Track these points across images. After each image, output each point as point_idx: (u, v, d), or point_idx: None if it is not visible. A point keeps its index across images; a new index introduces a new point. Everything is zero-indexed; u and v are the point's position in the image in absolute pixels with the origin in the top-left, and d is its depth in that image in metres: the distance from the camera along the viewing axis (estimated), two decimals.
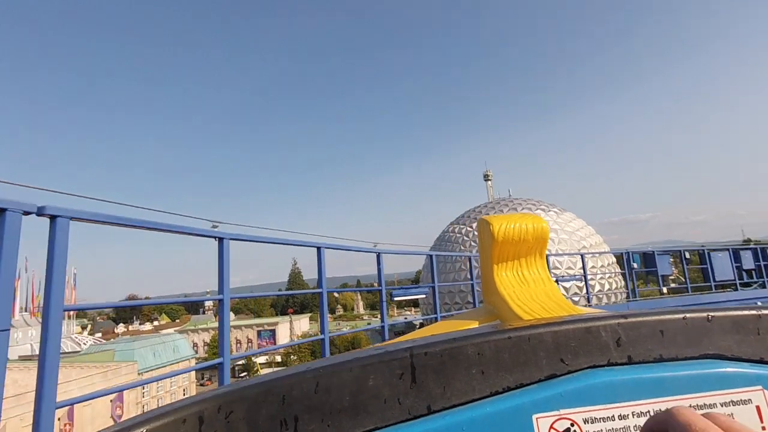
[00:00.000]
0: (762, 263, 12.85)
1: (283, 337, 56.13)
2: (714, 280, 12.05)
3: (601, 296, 24.96)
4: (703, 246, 12.24)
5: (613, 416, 0.57)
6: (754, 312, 0.66)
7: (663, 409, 0.51)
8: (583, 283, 11.54)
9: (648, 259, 12.54)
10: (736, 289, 12.21)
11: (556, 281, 6.84)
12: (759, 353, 0.63)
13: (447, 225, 35.22)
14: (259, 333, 56.54)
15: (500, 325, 0.91)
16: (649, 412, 0.57)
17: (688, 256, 12.31)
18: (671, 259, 12.88)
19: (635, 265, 12.32)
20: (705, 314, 0.66)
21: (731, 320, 0.66)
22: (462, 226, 32.51)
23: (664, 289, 12.52)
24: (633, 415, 0.57)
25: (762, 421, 0.57)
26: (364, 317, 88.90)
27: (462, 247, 30.34)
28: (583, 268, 10.68)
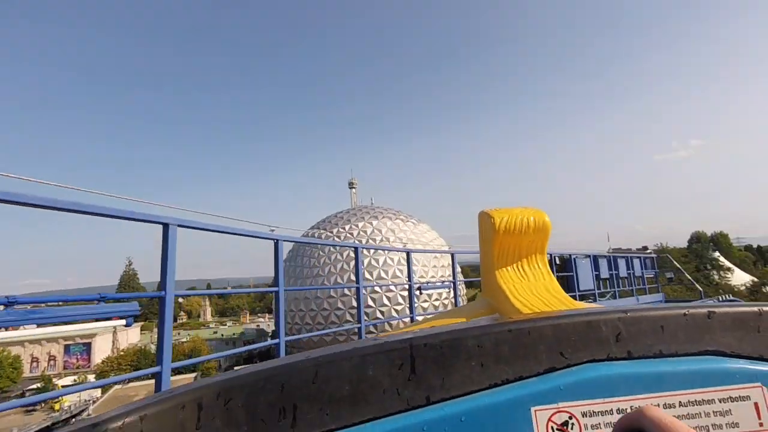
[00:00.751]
0: (614, 272, 12.30)
1: (102, 353, 46.35)
2: (578, 290, 10.75)
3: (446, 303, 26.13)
4: (570, 253, 11.29)
5: (612, 410, 0.58)
6: (755, 309, 0.67)
7: (662, 404, 0.57)
8: (446, 290, 10.97)
9: None
10: (595, 300, 11.32)
11: (419, 289, 6.32)
12: (759, 350, 0.64)
13: (307, 228, 33.84)
14: (67, 348, 45.66)
15: (499, 319, 0.91)
16: None
17: (558, 261, 11.10)
18: None
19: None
20: (705, 310, 0.67)
21: (732, 317, 0.67)
22: (322, 231, 31.41)
23: None
24: (631, 409, 0.57)
25: (760, 418, 0.58)
26: (211, 325, 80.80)
27: (321, 252, 29.01)
28: (453, 274, 10.10)
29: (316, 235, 30.94)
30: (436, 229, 33.81)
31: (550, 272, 1.12)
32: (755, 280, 39.19)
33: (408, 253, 6.09)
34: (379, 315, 23.99)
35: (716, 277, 36.76)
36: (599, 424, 0.58)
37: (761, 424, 0.58)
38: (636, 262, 13.69)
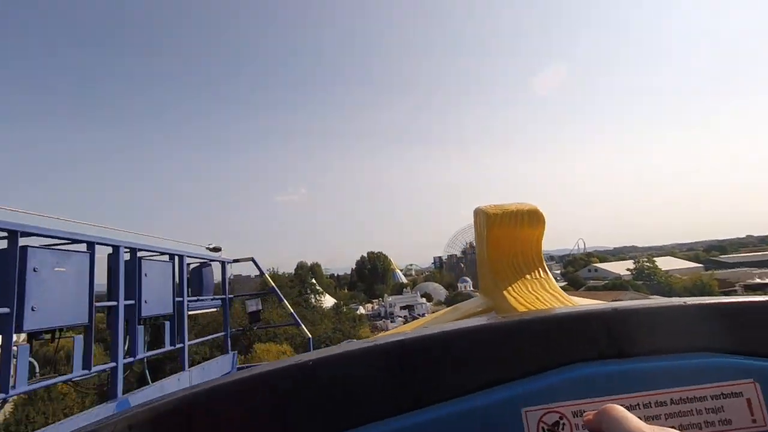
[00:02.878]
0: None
1: None
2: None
3: None
4: None
5: None
6: (747, 304, 0.67)
7: (654, 402, 0.58)
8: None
9: None
10: None
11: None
12: (751, 346, 0.63)
13: None
14: None
15: (493, 317, 0.90)
16: (638, 405, 0.58)
17: None
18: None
19: None
20: (697, 306, 0.66)
21: (723, 312, 0.66)
22: None
23: None
24: (624, 408, 0.55)
25: (752, 414, 0.58)
26: None
27: None
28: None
29: None
30: None
31: (547, 269, 1.11)
32: (337, 302, 48.75)
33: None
34: None
35: (313, 300, 42.56)
36: None
37: (754, 421, 0.58)
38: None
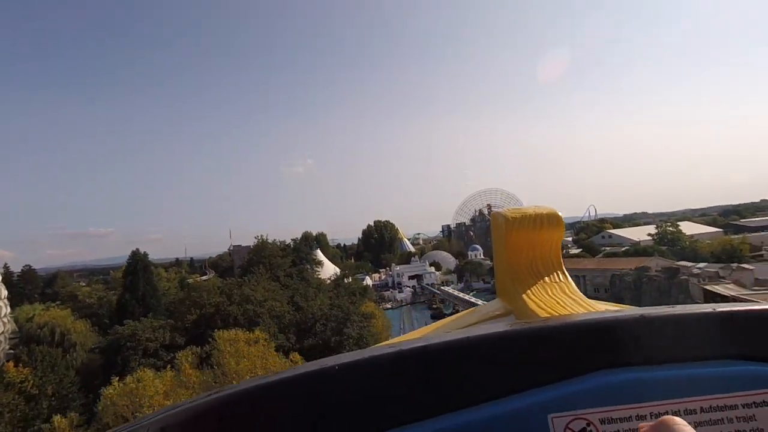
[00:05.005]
0: None
1: None
2: None
3: None
4: None
5: (631, 417, 0.56)
6: None
7: (683, 410, 0.57)
8: None
9: None
10: None
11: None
12: None
13: None
14: None
15: (515, 322, 0.89)
16: (667, 412, 0.56)
17: None
18: None
19: None
20: (727, 312, 0.65)
21: (753, 319, 0.64)
22: None
23: None
24: (651, 416, 0.56)
25: None
26: None
27: None
28: None
29: None
30: None
31: (566, 273, 1.09)
32: (338, 271, 46.18)
33: None
34: None
35: (309, 269, 39.71)
36: (618, 431, 0.56)
37: None
38: None
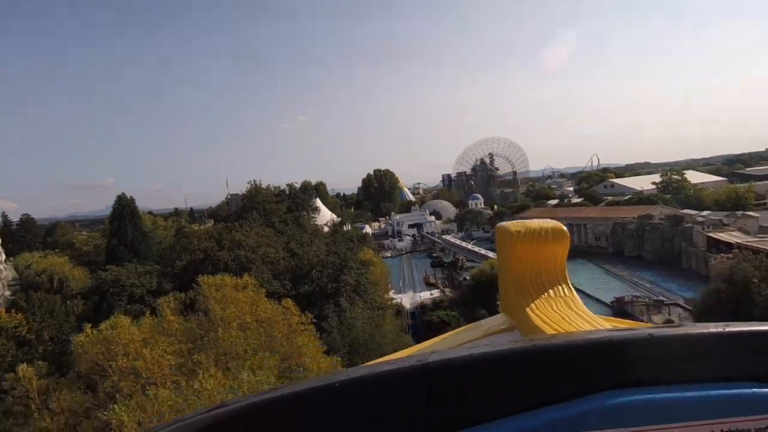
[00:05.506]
0: None
1: None
2: None
3: None
4: None
5: None
6: None
7: None
8: None
9: None
10: None
11: None
12: None
13: None
14: None
15: (519, 339, 0.88)
16: None
17: None
18: None
19: None
20: (738, 332, 0.64)
21: (766, 340, 0.63)
22: None
23: None
24: None
25: None
26: None
27: None
28: None
29: None
30: None
31: (571, 287, 1.09)
32: (335, 218, 45.78)
33: None
34: None
35: (305, 215, 39.12)
36: None
37: None
38: None
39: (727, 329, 0.62)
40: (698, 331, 0.62)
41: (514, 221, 1.14)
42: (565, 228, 1.10)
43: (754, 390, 0.57)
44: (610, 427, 0.55)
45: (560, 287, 1.08)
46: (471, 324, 1.38)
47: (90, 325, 13.24)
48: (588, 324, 0.93)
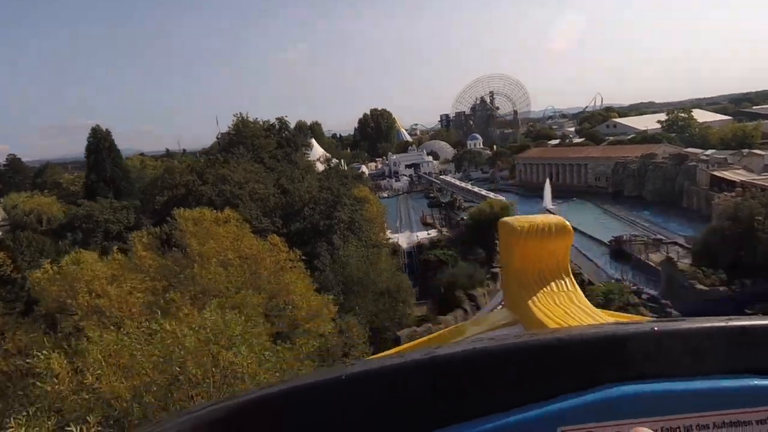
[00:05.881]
0: None
1: None
2: None
3: None
4: None
5: None
6: None
7: (696, 425, 0.57)
8: None
9: None
10: None
11: None
12: None
13: None
14: None
15: (523, 333, 0.90)
16: (679, 428, 0.57)
17: None
18: None
19: None
20: (743, 326, 0.64)
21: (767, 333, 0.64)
22: None
23: None
24: (663, 430, 0.56)
25: None
26: None
27: None
28: None
29: None
30: None
31: (574, 282, 1.11)
32: (328, 155, 44.75)
33: None
34: None
35: (298, 154, 37.93)
36: None
37: None
38: None
39: (730, 323, 0.63)
40: (701, 325, 0.63)
41: (518, 217, 1.14)
42: (568, 223, 1.12)
43: (756, 382, 0.58)
44: (612, 419, 0.55)
45: (563, 282, 1.11)
46: (473, 318, 0.90)
47: (49, 261, 12.53)
48: (591, 318, 0.96)
